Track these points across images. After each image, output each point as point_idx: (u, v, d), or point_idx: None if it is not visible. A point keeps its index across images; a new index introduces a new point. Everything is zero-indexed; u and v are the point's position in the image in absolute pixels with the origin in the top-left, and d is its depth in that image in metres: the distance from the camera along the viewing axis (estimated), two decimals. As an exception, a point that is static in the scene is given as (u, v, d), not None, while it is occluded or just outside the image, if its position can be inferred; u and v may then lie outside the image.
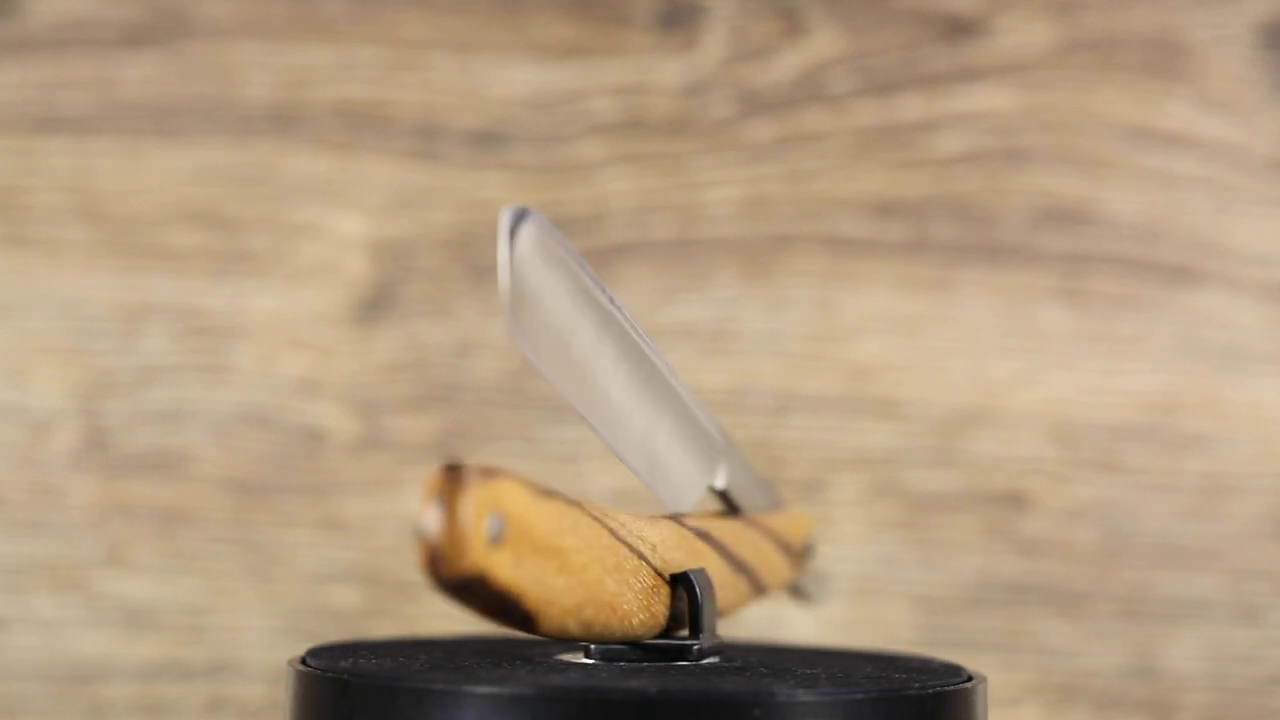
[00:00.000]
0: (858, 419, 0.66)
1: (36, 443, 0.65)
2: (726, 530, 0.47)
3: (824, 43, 0.67)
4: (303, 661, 0.43)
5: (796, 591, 0.55)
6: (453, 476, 0.37)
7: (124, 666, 0.65)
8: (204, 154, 0.66)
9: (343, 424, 0.66)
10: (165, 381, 0.65)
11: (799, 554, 0.52)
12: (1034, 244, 0.67)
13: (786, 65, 0.67)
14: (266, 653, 0.65)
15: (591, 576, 0.40)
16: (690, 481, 0.46)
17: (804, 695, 0.39)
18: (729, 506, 0.49)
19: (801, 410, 0.66)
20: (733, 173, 0.67)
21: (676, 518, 0.45)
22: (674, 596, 0.44)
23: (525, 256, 0.39)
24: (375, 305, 0.66)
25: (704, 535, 0.46)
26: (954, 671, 0.45)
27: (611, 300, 0.42)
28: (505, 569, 0.37)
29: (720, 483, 0.48)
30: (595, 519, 0.41)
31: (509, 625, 0.39)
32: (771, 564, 0.50)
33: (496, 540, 0.37)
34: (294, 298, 0.66)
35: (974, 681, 0.44)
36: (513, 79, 0.67)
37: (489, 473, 0.37)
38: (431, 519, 0.36)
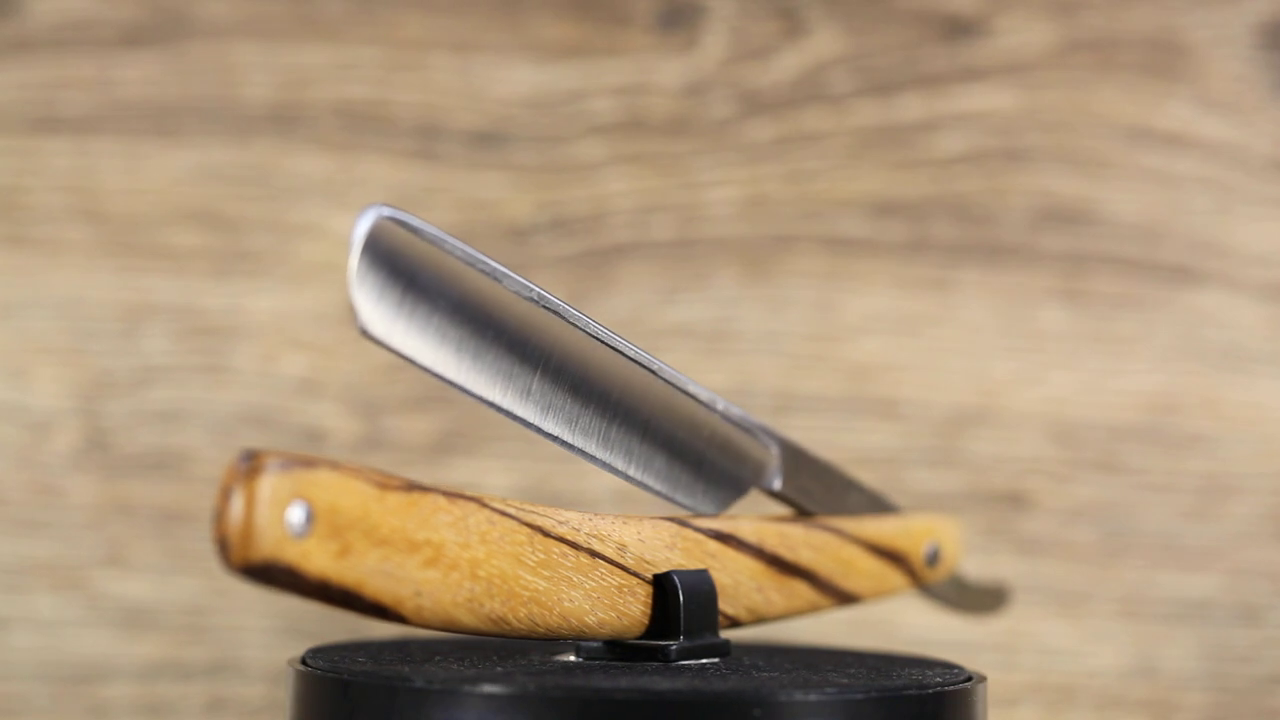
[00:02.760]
0: (858, 419, 0.66)
1: (36, 443, 0.65)
2: (775, 533, 0.47)
3: (824, 43, 0.67)
4: (303, 661, 0.43)
5: (939, 600, 0.54)
6: (245, 465, 0.37)
7: (124, 666, 0.65)
8: (204, 154, 0.66)
9: (343, 424, 0.66)
10: (165, 381, 0.65)
11: (919, 561, 0.51)
12: (1034, 244, 0.67)
13: (786, 65, 0.67)
14: (266, 653, 0.65)
15: (495, 571, 0.40)
16: (711, 483, 0.46)
17: (804, 695, 0.39)
18: (798, 510, 0.49)
19: (801, 410, 0.66)
20: (733, 173, 0.67)
21: (683, 519, 0.45)
22: (662, 597, 0.44)
23: (375, 260, 0.39)
24: (375, 305, 0.66)
25: (724, 537, 0.45)
26: (954, 671, 0.45)
27: (541, 298, 0.41)
28: (320, 560, 0.37)
29: (776, 485, 0.47)
30: (505, 515, 0.41)
31: (370, 616, 0.39)
32: (857, 569, 0.49)
33: (303, 530, 0.37)
34: (294, 298, 0.66)
35: (974, 681, 0.44)
36: (513, 79, 0.67)
37: (293, 463, 0.37)
38: (222, 506, 0.36)
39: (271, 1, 0.66)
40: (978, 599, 0.56)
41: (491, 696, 0.39)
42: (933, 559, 0.51)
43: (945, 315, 0.67)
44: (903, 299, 0.67)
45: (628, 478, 0.44)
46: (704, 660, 0.44)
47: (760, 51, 0.67)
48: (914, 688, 0.41)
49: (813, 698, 0.39)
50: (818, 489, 0.49)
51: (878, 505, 0.51)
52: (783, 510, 0.49)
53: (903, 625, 0.65)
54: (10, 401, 0.65)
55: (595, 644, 0.44)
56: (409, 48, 0.67)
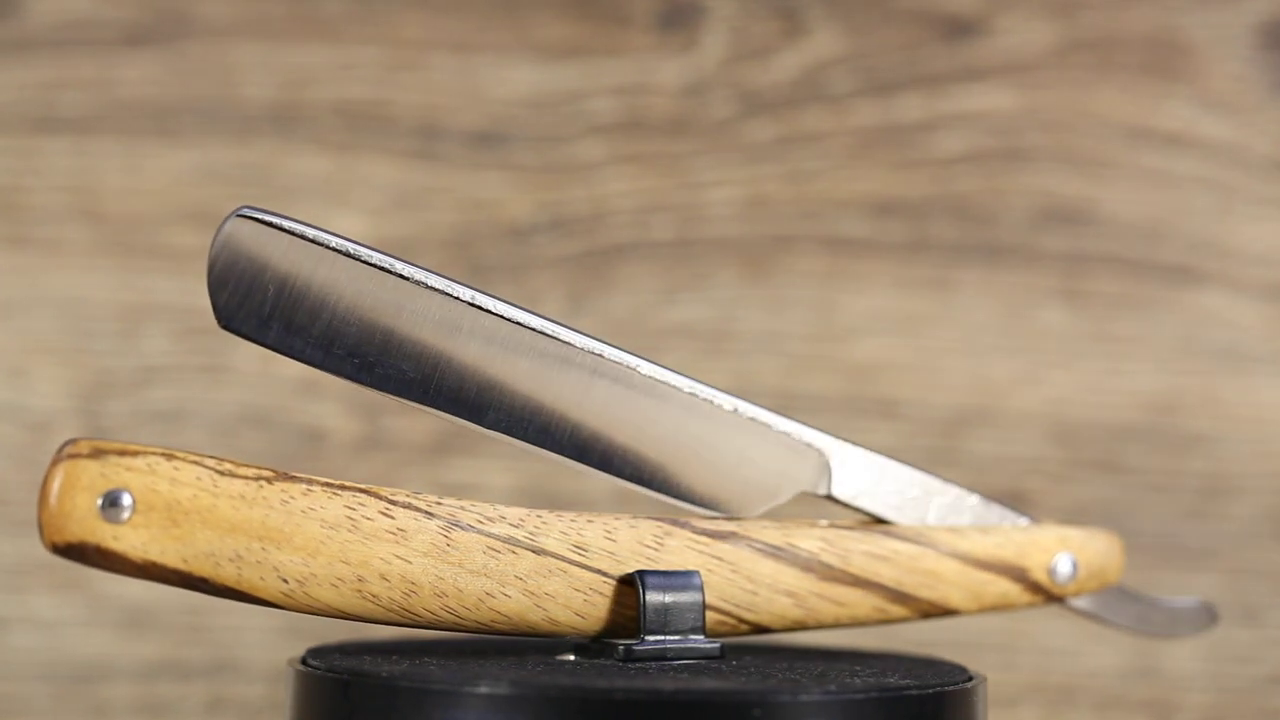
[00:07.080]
0: (858, 419, 0.66)
1: (36, 443, 0.65)
2: (816, 538, 0.46)
3: (824, 43, 0.67)
4: (303, 661, 0.43)
5: (1108, 621, 0.51)
6: (62, 452, 0.39)
7: (124, 666, 0.65)
8: (204, 154, 0.66)
9: (343, 424, 0.66)
10: (165, 381, 0.65)
11: (1043, 575, 0.48)
12: (1034, 244, 0.67)
13: (786, 65, 0.67)
14: (266, 653, 0.65)
15: (391, 563, 0.41)
16: (728, 486, 0.45)
17: (804, 695, 0.39)
18: (873, 518, 0.47)
19: (801, 410, 0.66)
20: (733, 173, 0.67)
21: (682, 520, 0.45)
22: (634, 596, 0.43)
23: (234, 262, 0.40)
24: (375, 305, 0.66)
25: (739, 539, 0.45)
26: (954, 671, 0.45)
27: (473, 296, 0.41)
28: (144, 544, 0.39)
29: (828, 490, 0.46)
30: (409, 508, 0.41)
31: (235, 600, 0.40)
32: (945, 580, 0.48)
33: (123, 515, 0.39)
34: (294, 298, 0.66)
35: (974, 681, 0.44)
36: (513, 79, 0.67)
37: (111, 451, 0.39)
38: (41, 491, 0.39)
39: (271, 1, 0.66)
40: (1167, 620, 0.52)
41: (491, 696, 0.39)
42: (1066, 574, 0.49)
43: (945, 315, 0.67)
44: (903, 299, 0.67)
45: (614, 480, 0.44)
46: (677, 661, 0.43)
47: (760, 51, 0.67)
48: (914, 688, 0.41)
49: (813, 698, 0.39)
50: (889, 495, 0.47)
51: (994, 514, 0.49)
52: (856, 517, 0.48)
53: (903, 625, 0.65)
54: (10, 401, 0.65)
55: (585, 642, 0.44)
56: (409, 48, 0.67)
